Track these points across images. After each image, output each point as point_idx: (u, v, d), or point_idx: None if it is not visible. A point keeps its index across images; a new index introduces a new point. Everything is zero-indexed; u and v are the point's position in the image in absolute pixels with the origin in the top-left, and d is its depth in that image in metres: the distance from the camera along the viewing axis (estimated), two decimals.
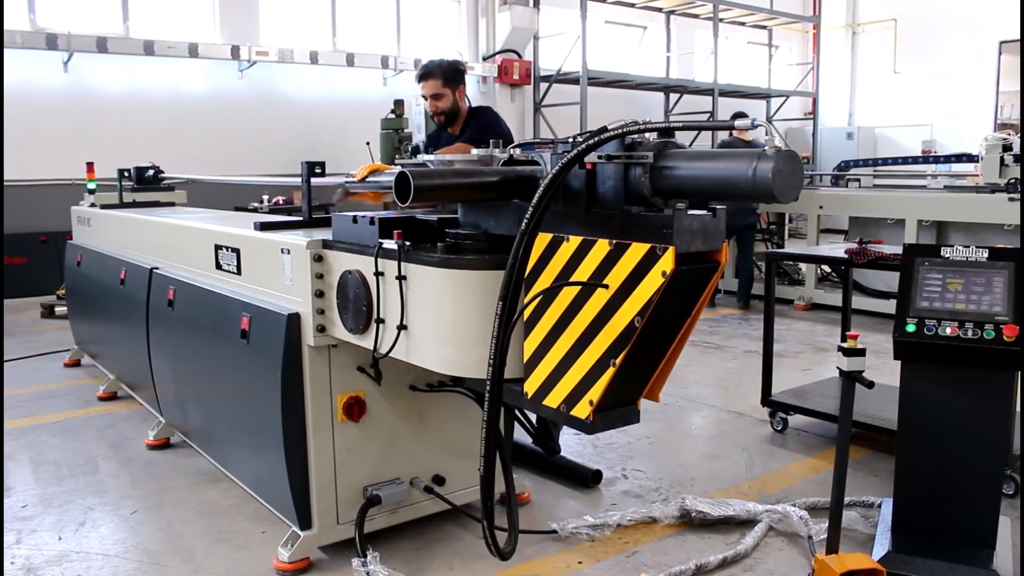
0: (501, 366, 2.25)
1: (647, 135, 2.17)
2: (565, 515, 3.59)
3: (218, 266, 3.87)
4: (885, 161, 10.91)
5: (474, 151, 2.67)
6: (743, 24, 17.25)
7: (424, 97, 4.38)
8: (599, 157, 2.20)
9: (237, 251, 3.68)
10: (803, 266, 9.15)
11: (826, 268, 8.84)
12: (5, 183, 5.90)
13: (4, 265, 7.27)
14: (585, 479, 4.03)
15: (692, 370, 6.29)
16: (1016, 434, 3.76)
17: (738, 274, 9.09)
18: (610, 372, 2.19)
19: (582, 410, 2.28)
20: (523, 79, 14.34)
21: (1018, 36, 13.93)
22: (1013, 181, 7.27)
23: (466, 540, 3.45)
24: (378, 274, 2.74)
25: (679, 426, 5.05)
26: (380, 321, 2.78)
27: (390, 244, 2.66)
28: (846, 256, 4.41)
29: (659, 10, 15.94)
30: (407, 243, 2.64)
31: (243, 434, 3.67)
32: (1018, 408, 3.44)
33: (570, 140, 2.35)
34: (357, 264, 2.88)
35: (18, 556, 3.38)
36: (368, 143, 5.53)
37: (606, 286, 2.19)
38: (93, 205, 6.17)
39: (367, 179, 3.47)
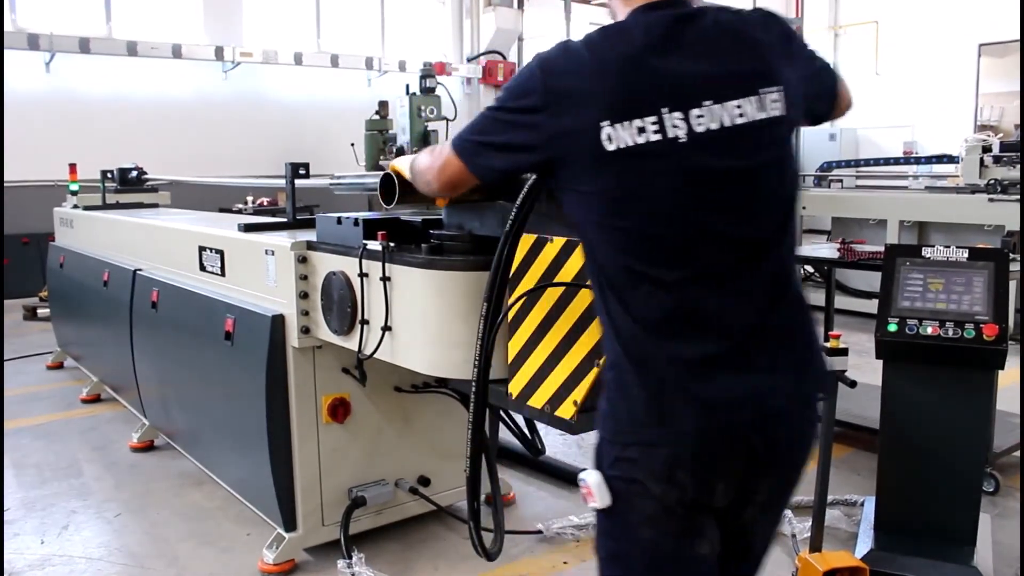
0: (486, 367, 2.25)
1: None
2: (550, 516, 3.60)
3: (202, 267, 3.85)
4: (867, 162, 10.96)
5: None
6: None
7: None
8: None
9: (221, 252, 3.67)
10: None
11: (809, 268, 8.88)
12: None
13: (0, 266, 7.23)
14: (575, 479, 4.03)
15: None
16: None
17: None
18: (594, 372, 2.20)
19: (566, 411, 2.29)
20: (508, 80, 14.33)
21: (997, 39, 14.09)
22: (993, 182, 7.35)
23: (451, 541, 3.45)
24: (362, 275, 2.74)
25: None
26: (364, 322, 2.78)
27: (374, 245, 2.66)
28: (835, 255, 4.43)
29: None
30: (391, 244, 2.64)
31: (228, 436, 3.66)
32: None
33: None
34: (341, 265, 2.88)
35: None
36: (353, 144, 5.50)
37: (590, 286, 2.19)
38: (76, 207, 6.13)
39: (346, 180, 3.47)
